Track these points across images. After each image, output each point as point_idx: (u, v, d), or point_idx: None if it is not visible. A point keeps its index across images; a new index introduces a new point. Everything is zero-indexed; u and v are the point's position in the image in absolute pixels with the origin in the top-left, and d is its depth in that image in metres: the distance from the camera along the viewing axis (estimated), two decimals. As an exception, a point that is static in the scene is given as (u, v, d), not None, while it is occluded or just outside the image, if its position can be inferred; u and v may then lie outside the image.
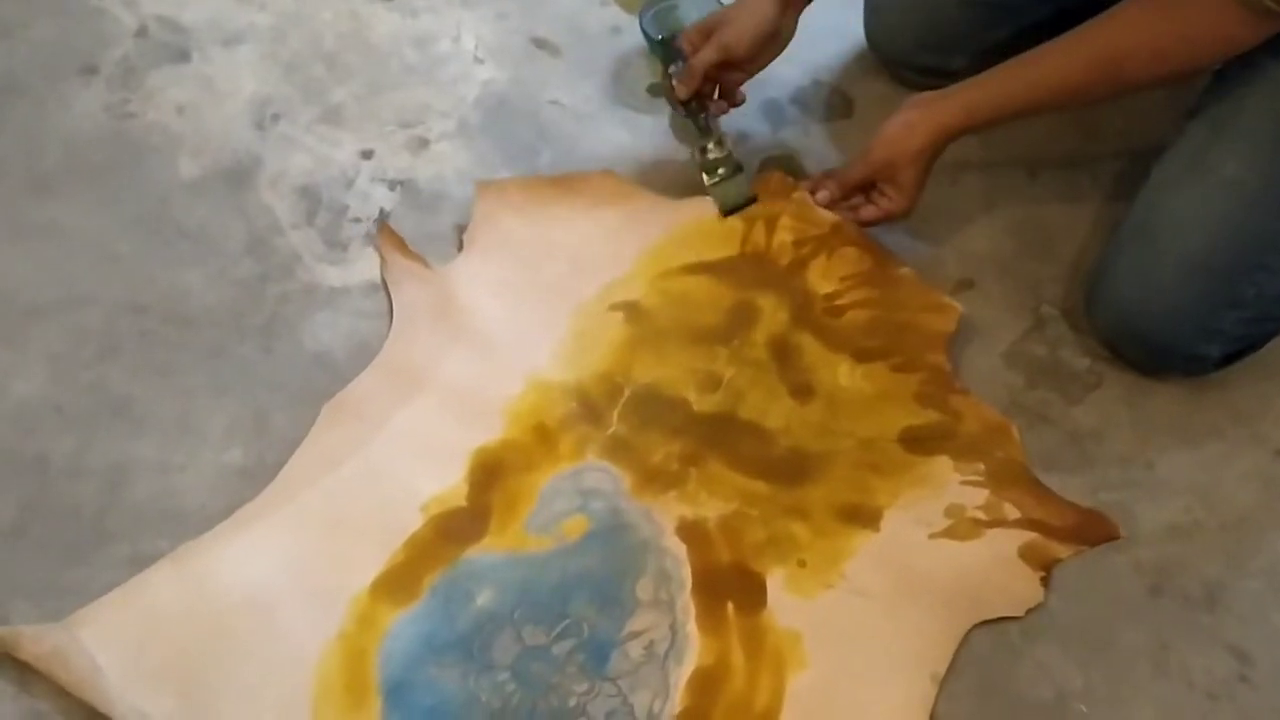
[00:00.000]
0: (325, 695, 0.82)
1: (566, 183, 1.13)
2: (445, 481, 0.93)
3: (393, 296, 1.04)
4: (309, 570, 0.87)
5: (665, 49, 1.18)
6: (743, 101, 1.15)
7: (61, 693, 0.81)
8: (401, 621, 0.86)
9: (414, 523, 0.91)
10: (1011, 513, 0.95)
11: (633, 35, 1.25)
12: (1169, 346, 1.00)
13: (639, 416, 0.98)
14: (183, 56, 1.21)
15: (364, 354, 1.01)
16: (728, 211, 1.10)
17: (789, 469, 0.96)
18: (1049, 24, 1.03)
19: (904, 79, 1.24)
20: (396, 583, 0.88)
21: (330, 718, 0.81)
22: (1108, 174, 1.18)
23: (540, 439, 0.96)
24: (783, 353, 1.03)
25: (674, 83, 1.10)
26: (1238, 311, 0.98)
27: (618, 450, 0.96)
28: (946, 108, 1.02)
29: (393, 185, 1.13)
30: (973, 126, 1.02)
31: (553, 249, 1.08)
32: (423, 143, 1.17)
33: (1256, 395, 1.04)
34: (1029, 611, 0.90)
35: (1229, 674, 0.90)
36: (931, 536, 0.93)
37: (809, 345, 1.03)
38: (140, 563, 0.88)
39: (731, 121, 1.18)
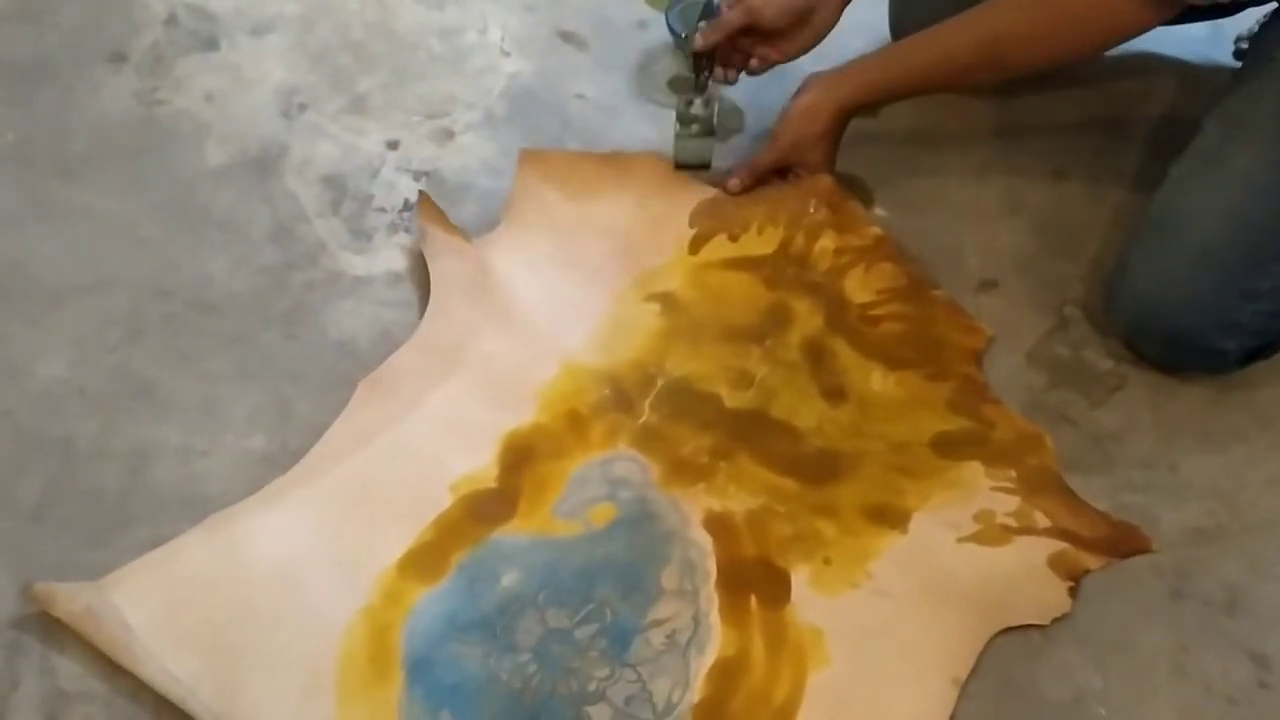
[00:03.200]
0: (349, 667, 0.83)
1: (613, 161, 1.14)
2: (476, 462, 0.94)
3: (430, 270, 1.04)
4: (338, 544, 0.88)
5: (691, 45, 1.18)
6: (735, 81, 1.15)
7: (93, 654, 0.82)
8: (427, 598, 0.86)
9: (443, 501, 0.91)
10: (1042, 521, 0.94)
11: (659, 30, 1.25)
12: (1186, 340, 0.99)
13: (670, 408, 0.99)
14: (211, 45, 1.22)
15: (386, 342, 1.02)
16: (679, 165, 1.14)
17: (818, 468, 0.96)
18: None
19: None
20: (424, 560, 0.88)
21: (354, 689, 0.82)
22: (1133, 173, 1.18)
23: (572, 425, 0.97)
24: (816, 355, 1.03)
25: (697, 34, 1.11)
26: (1254, 304, 0.98)
27: (648, 440, 0.97)
28: (845, 88, 1.06)
29: (418, 176, 1.14)
30: (869, 104, 1.08)
31: (594, 229, 1.09)
32: (448, 134, 1.17)
33: (1279, 397, 1.04)
34: (1055, 621, 0.89)
35: (1248, 679, 0.89)
36: (959, 540, 0.93)
37: (842, 350, 1.03)
38: (162, 545, 0.89)
39: (758, 120, 1.18)
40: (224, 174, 1.12)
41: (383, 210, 1.11)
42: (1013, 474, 0.96)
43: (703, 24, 1.11)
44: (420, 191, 1.10)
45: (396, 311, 1.04)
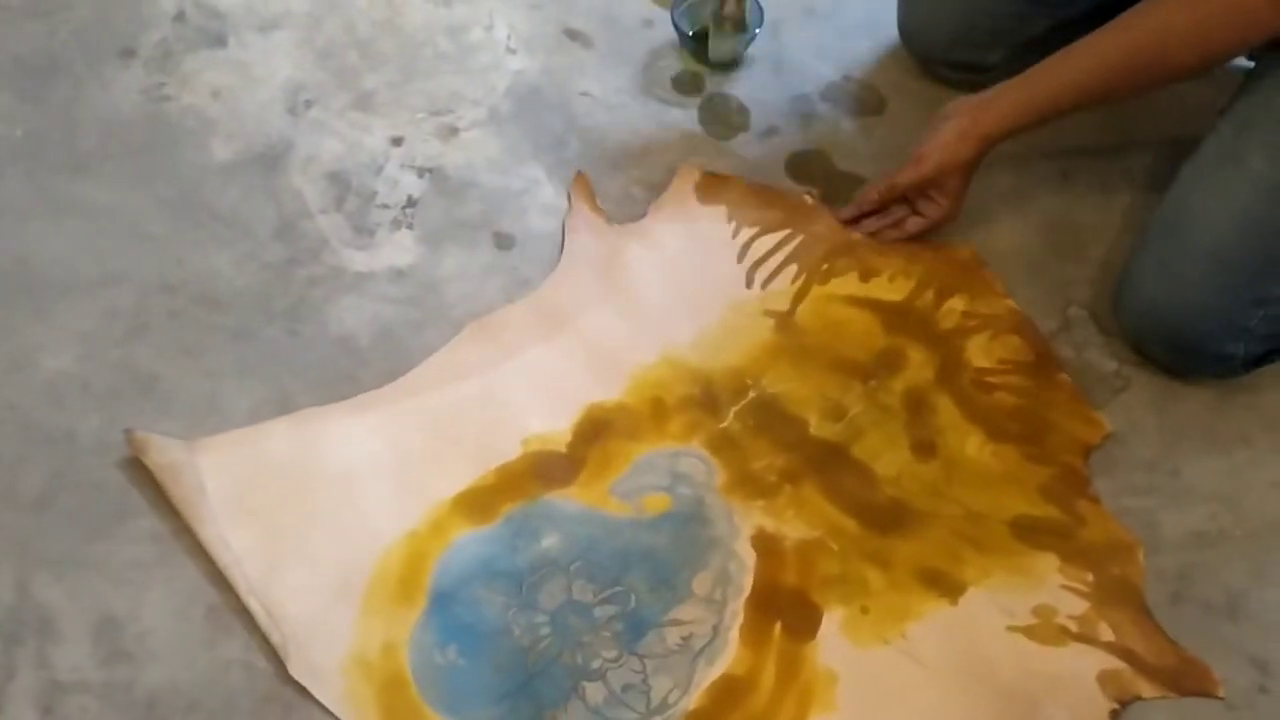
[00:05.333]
0: (380, 581, 0.87)
1: (768, 196, 1.13)
2: (553, 425, 0.96)
3: (566, 241, 1.08)
4: (404, 466, 0.93)
5: (697, 44, 1.19)
6: None
7: (89, 646, 0.85)
8: (469, 538, 0.90)
9: (512, 453, 0.94)
10: (1106, 634, 0.89)
11: (664, 28, 1.25)
12: (1195, 345, 0.98)
13: (755, 420, 0.98)
14: (219, 41, 1.22)
15: (388, 338, 1.02)
16: (714, 64, 1.22)
17: (885, 516, 0.94)
18: (1085, 18, 1.03)
19: (937, 75, 1.23)
20: (477, 502, 0.92)
21: (378, 603, 0.86)
22: (1142, 174, 1.17)
23: (654, 412, 0.98)
24: (917, 406, 1.00)
25: None
26: (1264, 309, 0.97)
27: (723, 446, 0.97)
28: (996, 114, 1.02)
29: (421, 172, 1.14)
30: (1019, 130, 1.02)
31: (729, 242, 1.09)
32: (453, 130, 1.18)
33: (1286, 402, 1.03)
34: None
35: (1249, 684, 0.88)
36: (1010, 629, 0.88)
37: (946, 408, 1.00)
38: (162, 540, 0.90)
39: (762, 118, 1.18)
40: (230, 170, 1.12)
41: (386, 207, 1.11)
42: (1090, 578, 0.91)
43: None
44: (578, 171, 1.13)
45: (398, 308, 1.04)
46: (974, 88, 1.07)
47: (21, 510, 0.91)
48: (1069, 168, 1.18)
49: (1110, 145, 1.20)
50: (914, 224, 1.09)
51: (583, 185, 1.12)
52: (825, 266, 1.08)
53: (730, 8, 1.19)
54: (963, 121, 1.03)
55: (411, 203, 1.12)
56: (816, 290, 1.07)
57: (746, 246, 1.09)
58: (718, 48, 1.21)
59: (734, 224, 1.11)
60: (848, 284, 1.07)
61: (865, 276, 1.08)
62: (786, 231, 1.10)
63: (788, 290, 1.07)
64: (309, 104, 1.18)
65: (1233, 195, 0.96)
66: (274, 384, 0.99)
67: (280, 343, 1.02)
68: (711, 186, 1.13)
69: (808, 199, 1.12)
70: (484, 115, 1.19)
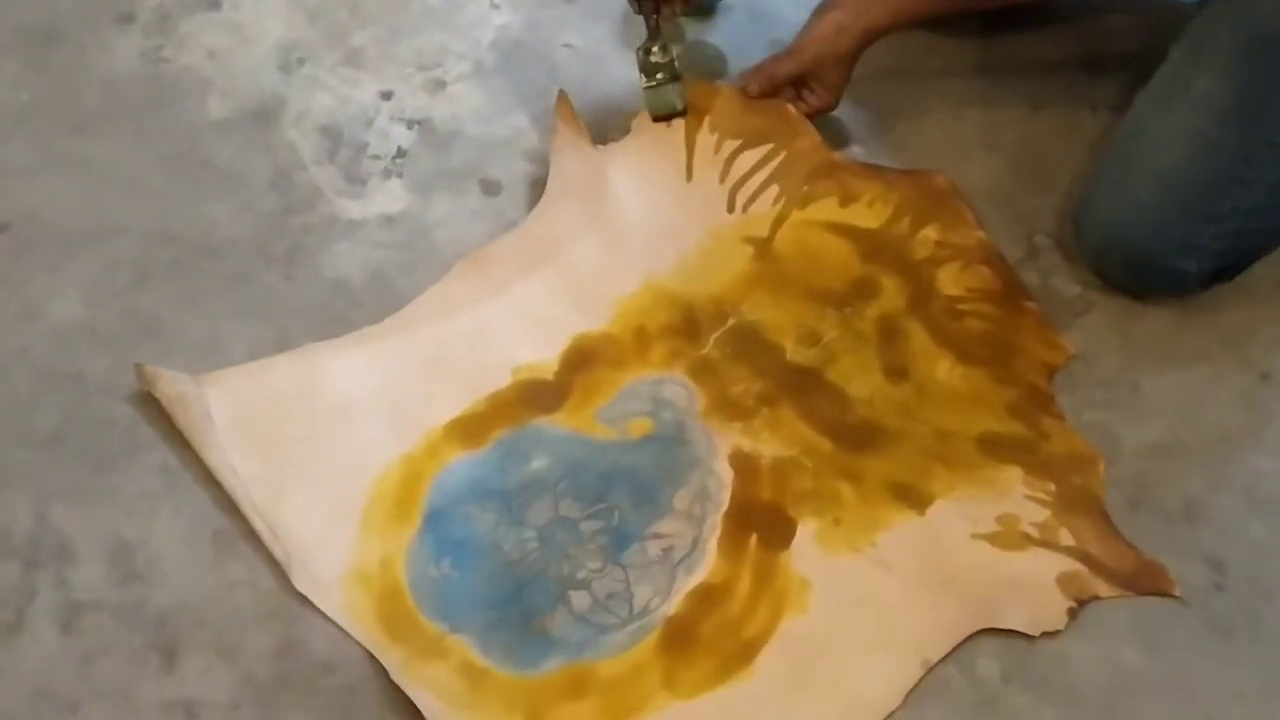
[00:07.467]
0: (378, 501, 0.92)
1: (755, 105, 1.14)
2: (541, 354, 1.01)
3: (552, 167, 1.10)
4: (400, 395, 0.97)
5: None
6: (685, 10, 1.16)
7: (104, 569, 0.90)
8: (461, 461, 0.95)
9: (502, 381, 0.99)
10: (1066, 539, 0.92)
11: (643, -21, 1.28)
12: (1149, 262, 1.02)
13: (734, 347, 1.02)
14: (213, 4, 1.27)
15: (379, 281, 1.07)
16: (657, 118, 1.14)
17: (857, 435, 0.98)
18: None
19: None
20: (469, 427, 0.96)
21: (376, 521, 0.91)
22: (1108, 108, 1.20)
23: (637, 340, 1.02)
24: (889, 333, 1.04)
25: None
26: (1214, 225, 1.00)
27: (703, 372, 1.01)
28: (874, 11, 1.07)
29: (411, 124, 1.19)
30: (902, 25, 1.08)
31: (712, 158, 1.12)
32: (440, 84, 1.22)
33: (1244, 320, 1.06)
34: (1043, 635, 0.88)
35: (1204, 583, 0.92)
36: (974, 536, 0.92)
37: (917, 334, 1.04)
38: (169, 472, 0.95)
39: (739, 63, 1.21)
40: (225, 126, 1.17)
41: (377, 158, 1.16)
42: (1052, 487, 0.95)
43: None
44: (560, 91, 1.14)
45: (389, 252, 1.09)
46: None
47: (36, 447, 0.96)
48: (1038, 102, 1.21)
49: (1078, 79, 1.23)
50: (798, 109, 1.13)
51: (565, 105, 1.13)
52: (806, 189, 1.12)
53: (656, 55, 1.11)
54: (843, 15, 1.07)
55: (401, 153, 1.16)
56: (796, 215, 1.10)
57: (729, 163, 1.12)
58: (653, 99, 1.13)
59: (717, 135, 1.13)
60: (827, 209, 1.11)
61: (844, 202, 1.11)
62: (770, 146, 1.13)
63: (768, 214, 1.10)
64: (301, 61, 1.22)
65: (1182, 120, 1.00)
66: (272, 326, 1.04)
67: (277, 287, 1.07)
68: (699, 96, 1.16)
69: (791, 109, 1.15)
70: (469, 69, 1.23)
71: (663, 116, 1.14)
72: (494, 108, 1.20)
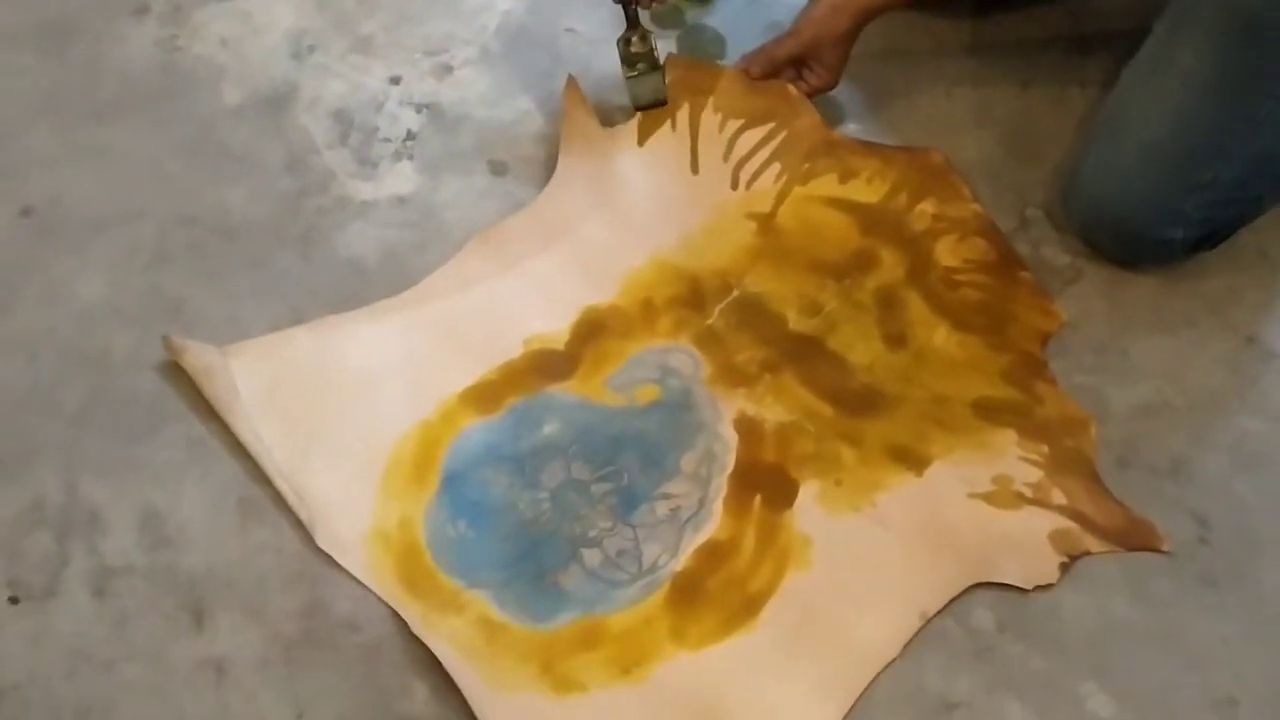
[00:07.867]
0: (396, 466, 0.96)
1: (755, 85, 1.18)
2: (552, 326, 1.05)
3: (561, 150, 1.14)
4: (417, 365, 1.01)
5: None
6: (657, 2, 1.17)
7: (135, 535, 0.93)
8: (477, 427, 0.99)
9: (515, 351, 1.03)
10: (1058, 498, 0.95)
11: (644, -35, 1.31)
12: (1135, 231, 1.05)
13: (738, 317, 1.06)
14: (225, -6, 1.30)
15: (392, 259, 1.10)
16: (639, 107, 1.16)
17: (857, 400, 1.01)
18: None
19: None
20: (483, 395, 1.00)
21: (395, 484, 0.96)
22: (1096, 85, 1.23)
23: (644, 312, 1.06)
24: (888, 302, 1.07)
25: None
26: (1198, 195, 1.03)
27: (708, 341, 1.05)
28: None
29: (419, 109, 1.22)
30: (892, 8, 1.11)
31: (716, 136, 1.16)
32: (447, 69, 1.26)
33: (1229, 286, 1.10)
34: (1036, 588, 0.91)
35: (1190, 537, 0.95)
36: (970, 496, 0.95)
37: (915, 303, 1.07)
38: (194, 443, 0.99)
39: (738, 46, 1.24)
40: (240, 112, 1.21)
41: (387, 140, 1.19)
42: (1045, 449, 0.98)
43: None
44: (569, 76, 1.17)
45: (401, 231, 1.13)
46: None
47: (65, 422, 1.00)
48: (1028, 80, 1.25)
49: (1069, 57, 1.26)
50: (798, 89, 1.17)
51: (574, 90, 1.16)
52: (806, 166, 1.15)
53: (636, 45, 1.13)
54: None
55: (411, 136, 1.20)
56: (797, 191, 1.14)
57: (732, 142, 1.16)
58: (636, 89, 1.16)
59: (720, 116, 1.17)
60: (827, 185, 1.15)
61: (844, 178, 1.15)
62: (771, 125, 1.17)
63: (770, 190, 1.14)
64: (311, 49, 1.26)
65: (1165, 93, 1.03)
66: (289, 304, 1.07)
67: (293, 267, 1.10)
68: (703, 78, 1.19)
69: (792, 89, 1.18)
70: (475, 54, 1.27)
71: (645, 105, 1.17)
72: (499, 91, 1.24)
